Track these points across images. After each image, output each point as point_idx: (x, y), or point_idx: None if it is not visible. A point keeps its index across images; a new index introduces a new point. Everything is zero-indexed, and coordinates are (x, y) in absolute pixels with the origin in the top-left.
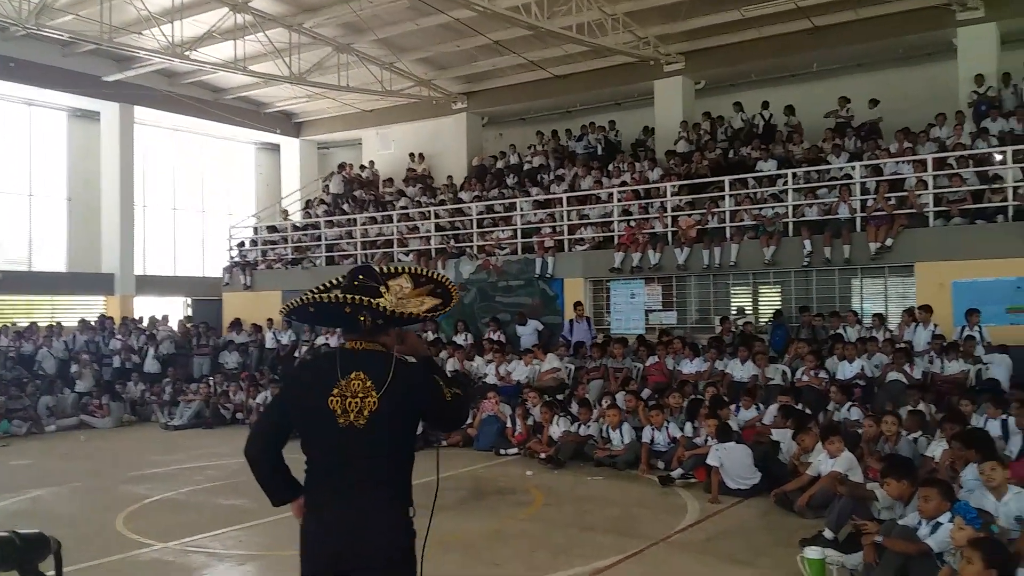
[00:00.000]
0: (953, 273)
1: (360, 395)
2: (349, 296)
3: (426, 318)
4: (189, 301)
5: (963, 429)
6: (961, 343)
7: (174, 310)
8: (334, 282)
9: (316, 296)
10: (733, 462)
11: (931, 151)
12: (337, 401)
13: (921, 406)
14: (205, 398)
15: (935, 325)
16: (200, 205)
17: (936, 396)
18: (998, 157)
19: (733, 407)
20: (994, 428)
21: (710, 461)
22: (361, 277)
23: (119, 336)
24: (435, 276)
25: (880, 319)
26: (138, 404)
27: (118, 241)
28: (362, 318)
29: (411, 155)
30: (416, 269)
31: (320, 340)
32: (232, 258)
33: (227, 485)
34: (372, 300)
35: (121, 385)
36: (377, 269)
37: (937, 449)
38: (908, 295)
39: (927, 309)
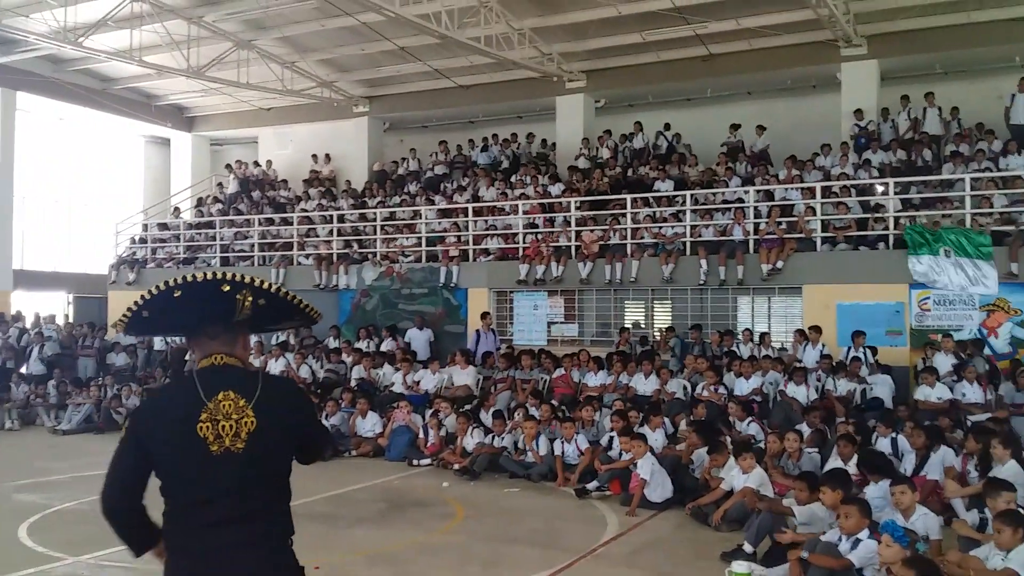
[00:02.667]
0: (838, 295)
1: (234, 416)
2: (229, 273)
3: (313, 313)
4: (71, 298)
5: (864, 451)
6: (848, 363)
7: (56, 307)
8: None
9: (187, 279)
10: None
11: (817, 179)
12: (208, 427)
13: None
14: (96, 402)
15: (823, 345)
16: (84, 198)
17: (826, 414)
18: (879, 188)
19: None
20: (884, 446)
21: (642, 474)
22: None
23: None
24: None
25: (766, 338)
26: (21, 407)
27: None
28: (240, 296)
29: (314, 156)
30: (266, 284)
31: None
32: (119, 255)
33: None
34: (253, 278)
35: (3, 387)
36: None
37: (835, 465)
38: (794, 316)
39: (817, 329)
